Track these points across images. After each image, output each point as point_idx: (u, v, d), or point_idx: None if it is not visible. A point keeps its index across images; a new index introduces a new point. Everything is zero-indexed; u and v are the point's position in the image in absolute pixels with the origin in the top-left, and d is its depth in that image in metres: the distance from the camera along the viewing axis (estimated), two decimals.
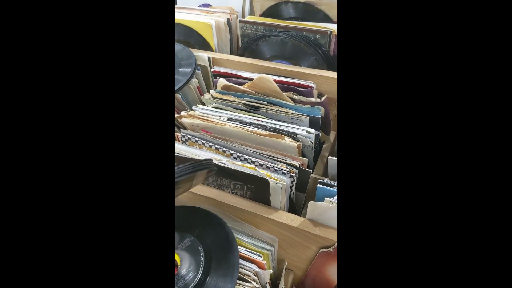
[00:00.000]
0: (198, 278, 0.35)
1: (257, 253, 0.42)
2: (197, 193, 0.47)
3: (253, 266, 0.40)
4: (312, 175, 0.48)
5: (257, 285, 0.40)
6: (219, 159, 0.45)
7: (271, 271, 0.41)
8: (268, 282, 0.43)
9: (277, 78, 0.57)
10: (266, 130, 0.48)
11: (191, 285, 0.35)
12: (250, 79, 0.57)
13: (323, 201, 0.42)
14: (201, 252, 0.38)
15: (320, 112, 0.50)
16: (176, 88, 0.58)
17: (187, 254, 0.38)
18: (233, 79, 0.59)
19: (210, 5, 0.78)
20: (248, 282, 0.39)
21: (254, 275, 0.40)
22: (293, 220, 0.43)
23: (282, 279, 0.46)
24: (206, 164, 0.35)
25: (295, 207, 0.50)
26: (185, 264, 0.37)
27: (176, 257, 0.38)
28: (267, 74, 0.57)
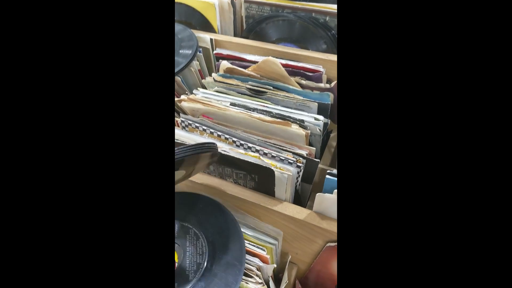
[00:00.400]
0: (203, 268, 0.33)
1: (261, 247, 0.39)
2: (197, 182, 0.45)
3: (256, 260, 0.38)
4: (318, 165, 0.45)
5: (260, 280, 0.37)
6: (221, 147, 0.43)
7: (275, 265, 0.39)
8: (270, 276, 0.41)
9: (283, 61, 0.54)
10: (271, 116, 0.45)
11: (195, 277, 0.33)
12: (255, 62, 0.53)
13: (331, 193, 0.39)
14: (203, 241, 0.35)
15: (329, 98, 0.47)
16: (176, 70, 0.55)
17: (187, 243, 0.36)
18: (237, 62, 0.56)
19: None
20: (251, 277, 0.37)
21: (257, 269, 0.38)
22: (298, 212, 0.41)
23: (286, 273, 0.44)
24: (209, 148, 0.32)
25: (301, 198, 0.47)
26: (186, 254, 0.35)
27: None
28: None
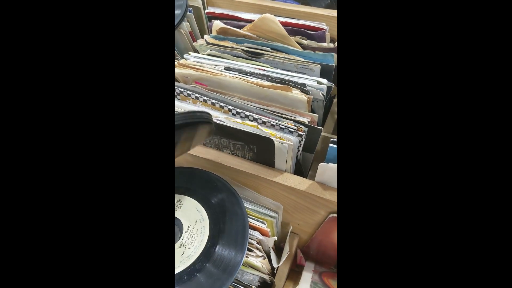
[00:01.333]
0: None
1: (261, 220, 0.38)
2: (193, 154, 0.42)
3: (257, 234, 0.37)
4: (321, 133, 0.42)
5: (260, 254, 0.36)
6: (216, 116, 0.39)
7: (276, 238, 0.38)
8: (271, 247, 0.40)
9: (282, 19, 0.49)
10: (270, 81, 0.41)
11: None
12: (251, 21, 0.48)
13: (334, 162, 0.37)
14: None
15: (333, 59, 0.43)
16: None
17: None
18: (231, 21, 0.51)
19: None
20: (251, 251, 0.36)
21: (257, 243, 0.37)
22: (300, 183, 0.39)
23: (287, 245, 0.43)
24: (202, 117, 0.29)
25: (302, 168, 0.45)
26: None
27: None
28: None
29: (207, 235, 0.32)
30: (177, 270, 0.30)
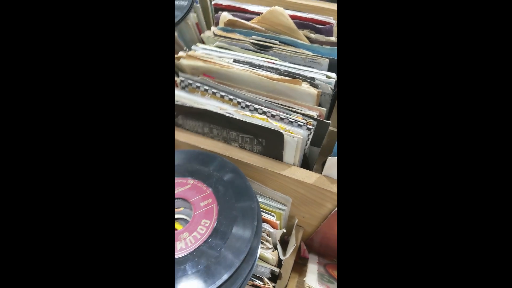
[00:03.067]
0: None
1: (270, 213, 0.38)
2: (201, 147, 0.42)
3: (266, 226, 0.37)
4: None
5: (270, 246, 0.37)
6: (225, 109, 0.39)
7: (284, 230, 0.38)
8: (278, 239, 0.41)
9: (290, 12, 0.48)
10: (279, 74, 0.41)
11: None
12: (259, 14, 0.48)
13: None
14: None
15: None
16: None
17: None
18: (239, 13, 0.50)
19: None
20: (262, 243, 0.36)
21: (267, 235, 0.37)
22: (308, 176, 0.39)
23: (293, 237, 0.44)
24: None
25: (308, 162, 0.45)
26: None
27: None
28: None
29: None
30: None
